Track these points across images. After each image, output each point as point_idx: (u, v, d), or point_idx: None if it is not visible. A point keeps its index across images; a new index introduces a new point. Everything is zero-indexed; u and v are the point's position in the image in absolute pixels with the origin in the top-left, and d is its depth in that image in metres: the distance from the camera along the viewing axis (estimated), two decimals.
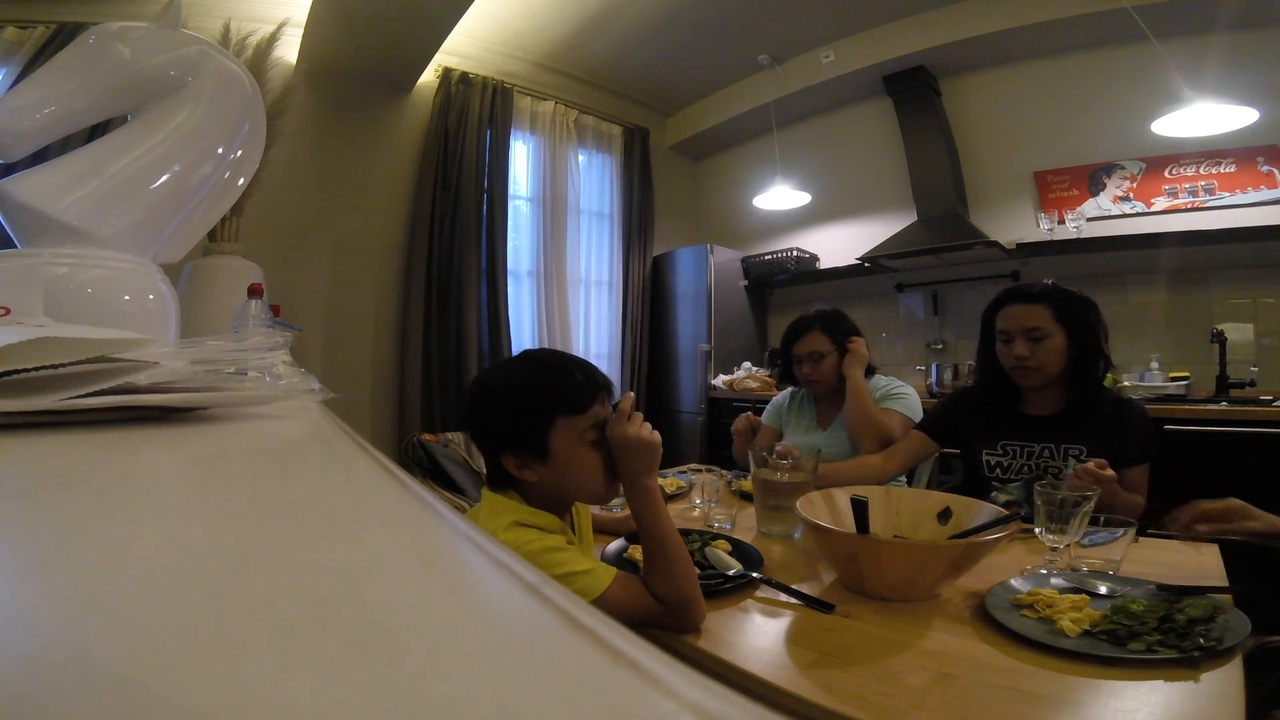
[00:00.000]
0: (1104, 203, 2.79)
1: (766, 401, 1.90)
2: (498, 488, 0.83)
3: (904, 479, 1.64)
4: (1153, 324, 2.63)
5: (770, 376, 3.34)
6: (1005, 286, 1.35)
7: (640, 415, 0.81)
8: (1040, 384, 1.27)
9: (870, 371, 1.70)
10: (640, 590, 0.76)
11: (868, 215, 3.52)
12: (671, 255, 3.88)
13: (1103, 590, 0.80)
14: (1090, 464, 1.05)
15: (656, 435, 0.80)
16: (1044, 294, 1.27)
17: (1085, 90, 2.86)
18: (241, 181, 0.91)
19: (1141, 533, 1.07)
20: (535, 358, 0.83)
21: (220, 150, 0.85)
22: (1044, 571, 0.87)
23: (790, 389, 1.81)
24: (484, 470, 1.86)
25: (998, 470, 1.29)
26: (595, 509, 1.27)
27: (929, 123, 3.19)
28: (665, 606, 0.74)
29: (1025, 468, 1.26)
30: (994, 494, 1.21)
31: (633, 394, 0.87)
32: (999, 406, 1.34)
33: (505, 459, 0.79)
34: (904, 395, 1.60)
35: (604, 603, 0.72)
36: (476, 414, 0.82)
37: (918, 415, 1.57)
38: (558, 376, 0.79)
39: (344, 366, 3.08)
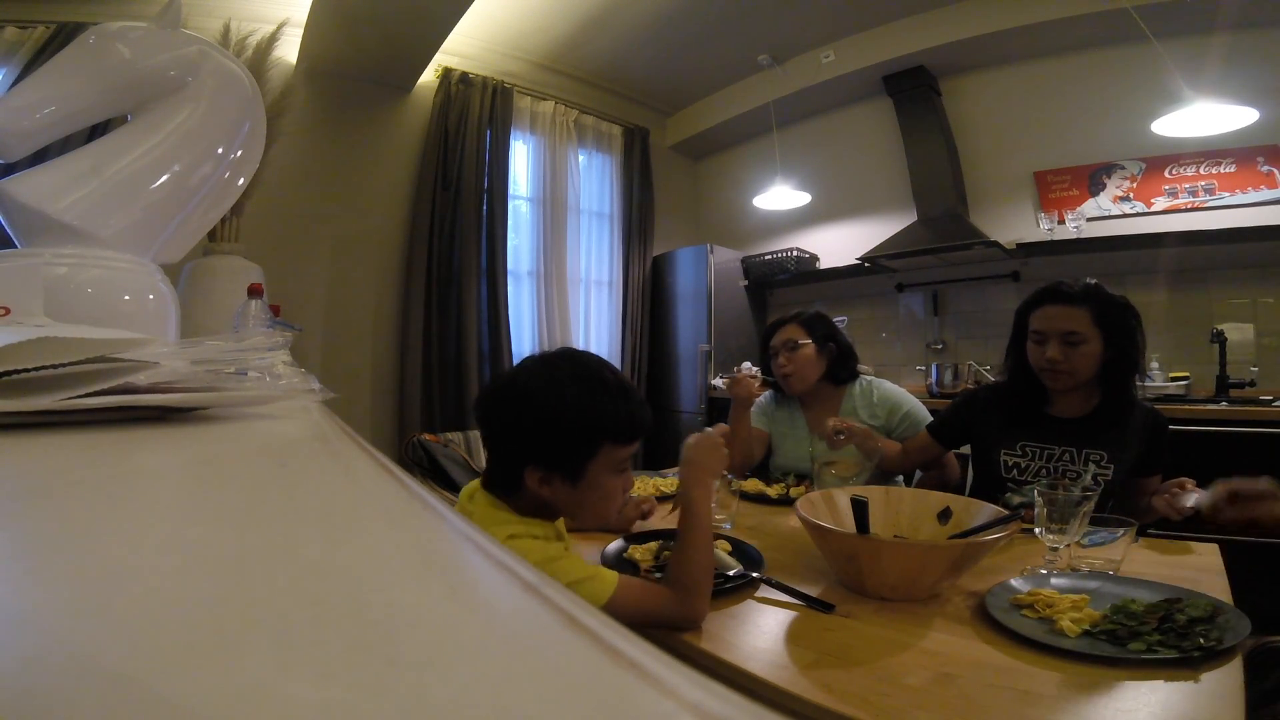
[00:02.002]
0: (1104, 203, 2.79)
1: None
2: (494, 490, 0.79)
3: (901, 479, 1.63)
4: (1153, 324, 2.60)
5: (769, 379, 3.34)
6: (1044, 284, 1.29)
7: None
8: (1070, 387, 1.23)
9: (854, 375, 1.66)
10: (643, 587, 0.76)
11: (868, 215, 3.52)
12: (671, 255, 3.88)
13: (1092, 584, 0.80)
14: (1189, 485, 1.06)
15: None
16: (1085, 295, 1.21)
17: (1085, 90, 2.86)
18: (241, 181, 0.91)
19: (1142, 533, 1.07)
20: (590, 371, 0.76)
21: (220, 150, 0.85)
22: (1044, 571, 0.87)
23: (772, 392, 1.78)
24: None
25: (1014, 471, 1.27)
26: None
27: (929, 123, 3.19)
28: (676, 592, 0.75)
29: (1044, 470, 1.24)
30: (1008, 496, 1.20)
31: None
32: (1024, 405, 1.30)
33: (529, 471, 0.73)
34: (916, 417, 1.55)
35: (612, 606, 0.71)
36: (505, 416, 0.75)
37: (928, 417, 1.56)
38: (612, 403, 0.74)
39: (344, 366, 3.08)
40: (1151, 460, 1.20)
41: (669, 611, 0.75)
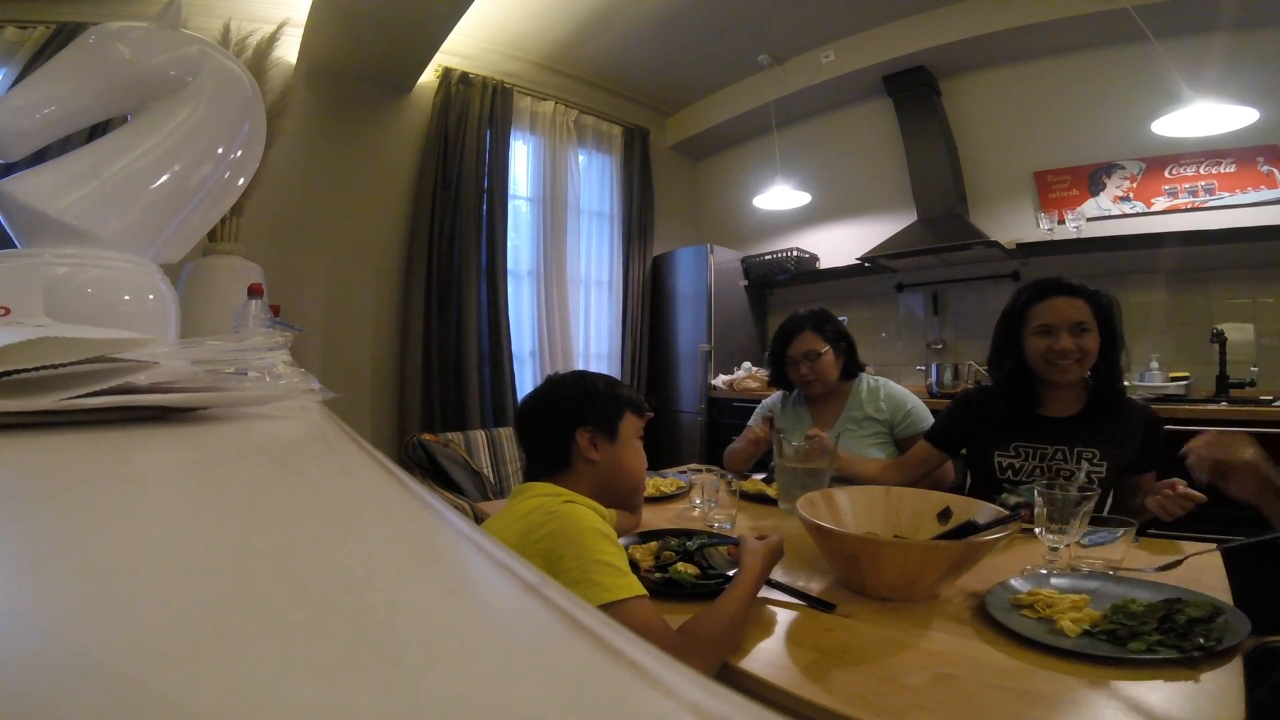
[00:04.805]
0: (1104, 203, 2.79)
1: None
2: (536, 478, 0.94)
3: None
4: (1153, 324, 2.63)
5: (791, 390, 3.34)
6: (1033, 281, 1.31)
7: None
8: (1075, 379, 1.24)
9: (860, 367, 1.69)
10: (659, 623, 0.72)
11: (868, 215, 3.52)
12: (671, 255, 3.88)
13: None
14: (1180, 486, 1.05)
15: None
16: (1082, 290, 1.25)
17: (1085, 90, 2.85)
18: (241, 181, 0.91)
19: (1142, 533, 1.07)
20: (593, 372, 1.04)
21: (220, 150, 0.85)
22: (1044, 571, 0.87)
23: (779, 393, 1.79)
24: (484, 470, 1.86)
25: (1009, 472, 1.27)
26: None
27: (929, 123, 3.19)
28: (683, 640, 0.71)
29: (1037, 470, 1.24)
30: (1004, 496, 1.20)
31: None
32: (1016, 406, 1.30)
33: (580, 432, 0.93)
34: (918, 415, 1.56)
35: (620, 609, 0.70)
36: (551, 402, 0.98)
37: (930, 417, 1.56)
38: (625, 388, 1.02)
39: (344, 366, 3.08)
40: (1146, 458, 1.21)
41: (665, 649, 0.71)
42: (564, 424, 0.95)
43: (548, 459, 0.96)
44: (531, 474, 0.97)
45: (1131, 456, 1.21)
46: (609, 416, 0.96)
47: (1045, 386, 1.28)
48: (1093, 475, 1.17)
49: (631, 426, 0.98)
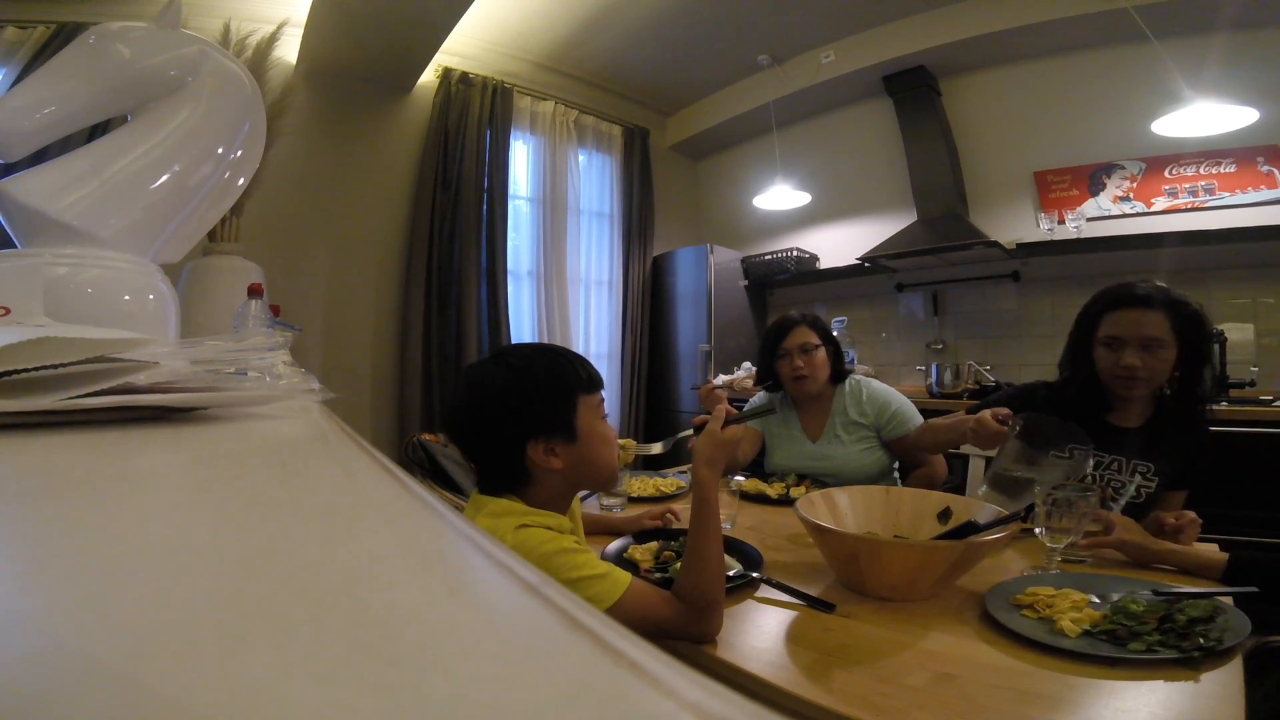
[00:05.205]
0: (1104, 203, 2.79)
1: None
2: (494, 491, 0.82)
3: (899, 478, 1.63)
4: None
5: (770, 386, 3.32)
6: (1113, 285, 1.21)
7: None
8: (1144, 395, 1.17)
9: (844, 374, 1.67)
10: (657, 595, 0.74)
11: (868, 215, 3.51)
12: (671, 255, 3.88)
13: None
14: (1185, 515, 1.00)
15: (734, 432, 0.86)
16: (1162, 301, 1.14)
17: (1085, 90, 2.85)
18: (241, 181, 0.91)
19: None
20: (537, 349, 0.84)
21: (220, 150, 0.85)
22: (1044, 571, 0.87)
23: (765, 392, 1.77)
24: None
25: None
26: (595, 510, 1.27)
27: (929, 123, 3.19)
28: (685, 607, 0.73)
29: (1089, 477, 1.15)
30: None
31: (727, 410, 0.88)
32: (1082, 411, 1.20)
33: (532, 447, 0.78)
34: (905, 414, 1.55)
35: (621, 607, 0.70)
36: (493, 410, 0.79)
37: (917, 416, 1.55)
38: (569, 363, 0.83)
39: (344, 366, 3.08)
40: (1188, 476, 1.16)
41: (679, 625, 0.72)
42: (509, 440, 0.79)
43: (503, 474, 0.81)
44: (488, 486, 0.83)
45: (1179, 475, 1.15)
46: (561, 416, 0.79)
47: (1120, 398, 1.20)
48: (1142, 490, 1.13)
49: (589, 410, 0.82)
